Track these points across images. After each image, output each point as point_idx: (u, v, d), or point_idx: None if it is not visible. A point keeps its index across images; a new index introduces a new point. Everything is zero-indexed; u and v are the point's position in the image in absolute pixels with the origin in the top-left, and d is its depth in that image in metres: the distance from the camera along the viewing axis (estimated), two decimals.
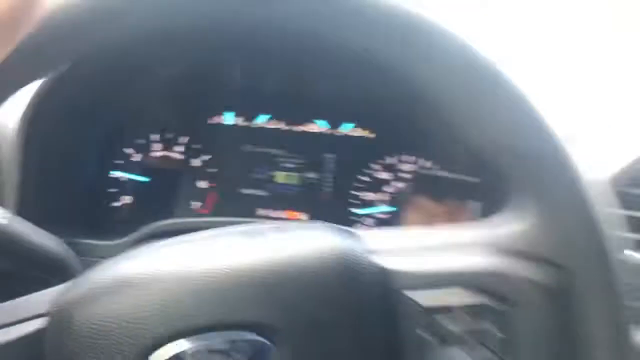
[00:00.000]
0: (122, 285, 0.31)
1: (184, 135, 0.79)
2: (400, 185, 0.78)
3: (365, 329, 0.32)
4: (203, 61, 0.73)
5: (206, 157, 0.79)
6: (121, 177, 0.80)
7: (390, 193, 0.78)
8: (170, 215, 0.77)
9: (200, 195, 0.79)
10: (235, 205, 0.79)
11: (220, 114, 0.80)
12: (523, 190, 0.34)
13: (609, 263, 0.33)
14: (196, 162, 0.79)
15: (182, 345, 0.30)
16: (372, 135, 0.78)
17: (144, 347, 0.30)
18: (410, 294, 0.33)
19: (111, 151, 0.79)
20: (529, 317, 0.34)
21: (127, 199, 0.80)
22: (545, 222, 0.33)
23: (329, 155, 0.79)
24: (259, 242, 0.33)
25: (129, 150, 0.80)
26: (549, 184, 0.33)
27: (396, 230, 0.40)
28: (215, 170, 0.79)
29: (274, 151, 0.80)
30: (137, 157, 0.80)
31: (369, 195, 0.78)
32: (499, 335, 0.33)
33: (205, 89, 0.78)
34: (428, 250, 0.34)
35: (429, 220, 0.69)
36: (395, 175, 0.78)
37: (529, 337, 0.33)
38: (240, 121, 0.80)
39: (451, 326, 0.33)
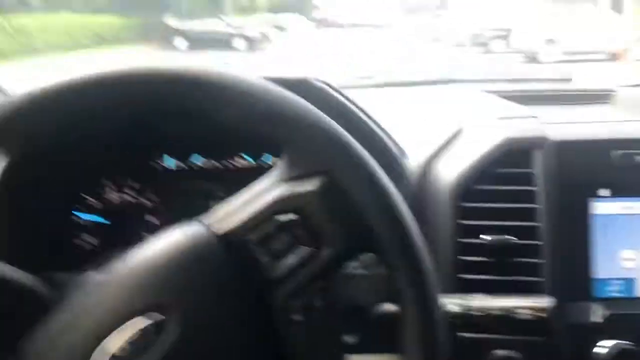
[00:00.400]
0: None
1: (132, 179, 0.90)
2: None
3: (228, 288, 0.48)
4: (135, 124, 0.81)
5: (153, 197, 0.90)
6: (82, 219, 0.90)
7: None
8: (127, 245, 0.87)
9: (153, 230, 0.85)
10: None
11: (159, 157, 0.90)
12: (291, 141, 0.50)
13: (361, 161, 0.50)
14: (146, 202, 0.90)
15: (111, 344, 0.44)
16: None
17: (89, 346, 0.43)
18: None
19: (72, 197, 0.89)
20: (317, 221, 0.50)
21: (89, 238, 0.90)
22: (307, 150, 0.50)
23: None
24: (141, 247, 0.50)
25: (88, 195, 0.90)
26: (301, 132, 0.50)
27: (225, 203, 0.53)
28: (158, 207, 0.90)
29: (209, 186, 0.90)
30: (93, 202, 0.90)
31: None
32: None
33: (144, 137, 0.86)
34: (248, 204, 0.51)
35: None
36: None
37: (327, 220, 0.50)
38: (176, 162, 0.90)
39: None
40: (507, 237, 0.75)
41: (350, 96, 0.90)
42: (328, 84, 0.85)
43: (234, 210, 0.51)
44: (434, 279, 0.49)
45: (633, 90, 1.13)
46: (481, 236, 0.75)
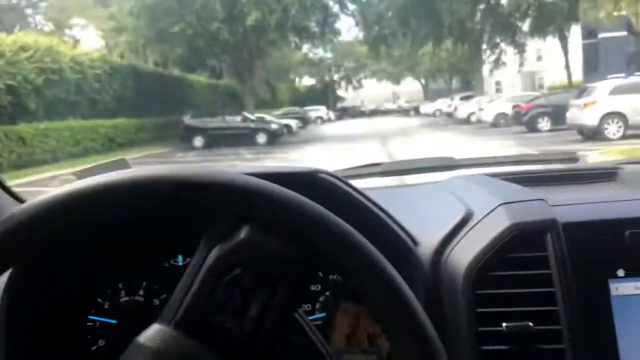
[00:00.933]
0: None
1: (143, 280, 0.91)
2: (327, 294, 0.90)
3: None
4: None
5: (164, 296, 0.90)
6: (96, 323, 0.91)
7: (321, 302, 0.90)
8: None
9: None
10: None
11: (174, 257, 0.92)
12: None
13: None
14: (156, 302, 0.91)
15: None
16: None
17: None
18: None
19: (86, 302, 0.90)
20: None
21: (101, 341, 0.91)
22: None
23: None
24: None
25: (100, 299, 0.91)
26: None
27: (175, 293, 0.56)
28: None
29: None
30: (106, 304, 0.91)
31: (305, 306, 0.89)
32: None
33: (157, 239, 0.85)
34: (189, 287, 0.55)
35: (355, 321, 0.82)
36: (323, 286, 0.90)
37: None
38: (190, 260, 0.93)
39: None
40: (527, 323, 0.73)
41: (358, 185, 0.91)
42: (335, 176, 0.86)
43: (180, 297, 0.54)
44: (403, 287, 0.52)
45: (636, 167, 1.18)
46: (503, 324, 0.74)
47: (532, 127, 17.46)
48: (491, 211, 0.84)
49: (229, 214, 0.52)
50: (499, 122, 21.74)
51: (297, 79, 62.60)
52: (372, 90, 64.94)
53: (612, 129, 13.17)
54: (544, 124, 17.41)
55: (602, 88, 13.56)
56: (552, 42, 38.06)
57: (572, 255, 0.75)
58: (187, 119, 21.34)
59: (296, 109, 36.72)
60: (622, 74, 15.15)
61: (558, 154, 1.49)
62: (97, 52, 21.10)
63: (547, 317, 0.74)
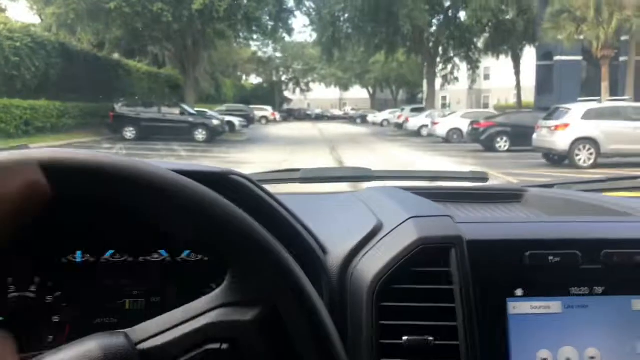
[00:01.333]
0: None
1: (37, 275, 0.86)
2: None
3: None
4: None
5: (58, 294, 0.86)
6: None
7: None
8: (28, 349, 0.80)
9: (56, 329, 0.84)
10: (88, 335, 0.84)
11: (72, 252, 0.87)
12: (236, 263, 0.52)
13: (303, 295, 0.52)
14: (49, 299, 0.86)
15: None
16: (206, 259, 0.88)
17: None
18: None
19: None
20: (250, 352, 0.51)
21: None
22: (251, 276, 0.52)
23: (171, 280, 0.89)
24: None
25: None
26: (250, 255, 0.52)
27: (160, 317, 0.53)
28: (66, 304, 0.85)
29: (121, 281, 0.87)
30: None
31: None
32: None
33: (56, 232, 0.82)
34: (180, 323, 0.52)
35: None
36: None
37: None
38: (88, 258, 0.88)
39: None
40: (426, 337, 0.75)
41: (275, 191, 0.93)
42: (248, 178, 0.85)
43: (164, 328, 0.51)
44: None
45: (541, 191, 1.26)
46: (403, 337, 0.75)
47: (489, 146, 16.60)
48: (400, 224, 0.85)
49: (251, 286, 0.51)
50: (452, 138, 20.95)
51: (244, 77, 60.63)
52: (320, 95, 63.76)
53: (584, 156, 12.30)
54: (502, 144, 16.56)
55: (575, 110, 12.67)
56: (500, 63, 38.04)
57: (474, 273, 0.77)
58: (119, 107, 19.32)
59: (241, 106, 34.94)
60: (597, 97, 14.42)
61: (470, 173, 1.54)
62: (21, 23, 18.75)
63: (447, 332, 0.75)
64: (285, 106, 59.92)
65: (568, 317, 0.77)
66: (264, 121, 38.94)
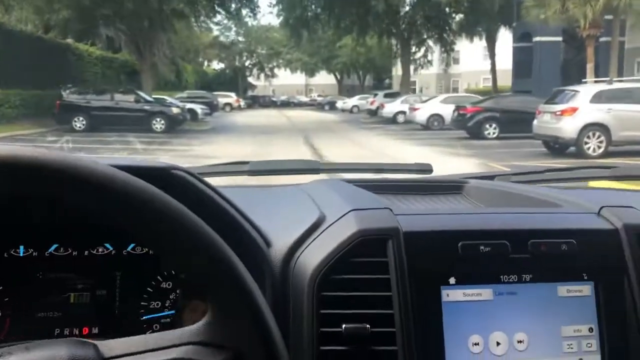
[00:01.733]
0: None
1: None
2: (177, 292, 0.90)
3: None
4: None
5: (3, 289, 0.86)
6: None
7: (171, 299, 0.90)
8: None
9: None
10: (31, 328, 0.85)
11: (14, 247, 0.87)
12: (212, 301, 0.54)
13: (273, 346, 0.54)
14: None
15: None
16: (152, 252, 0.89)
17: None
18: None
19: None
20: None
21: None
22: (222, 321, 0.54)
23: (116, 273, 0.89)
24: None
25: None
26: (224, 297, 0.54)
27: (132, 339, 0.54)
28: (7, 299, 0.85)
29: (65, 275, 0.87)
30: None
31: (155, 304, 0.89)
32: None
33: None
34: (145, 353, 0.52)
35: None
36: (174, 284, 0.90)
37: None
38: (31, 252, 0.88)
39: None
40: (364, 325, 0.77)
41: (223, 183, 0.96)
42: (189, 172, 0.85)
43: (134, 350, 0.52)
44: None
45: (480, 182, 1.28)
46: (342, 325, 0.77)
47: (476, 134, 15.29)
48: (342, 216, 0.88)
49: (225, 331, 0.53)
50: (432, 125, 19.63)
51: (205, 62, 58.25)
52: (285, 81, 62.00)
53: (593, 144, 11.01)
54: (491, 130, 15.27)
55: (584, 93, 11.32)
56: (470, 46, 36.93)
57: (410, 262, 0.80)
58: (67, 95, 17.38)
59: (203, 92, 33.05)
60: (607, 78, 13.13)
61: (414, 165, 1.56)
62: None
63: (384, 320, 0.78)
64: (250, 92, 57.73)
65: (498, 304, 0.81)
66: (227, 108, 36.96)
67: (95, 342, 0.52)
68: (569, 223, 0.87)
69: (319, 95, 56.06)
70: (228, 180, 1.46)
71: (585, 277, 0.83)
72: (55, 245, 0.87)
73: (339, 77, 56.56)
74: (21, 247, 0.86)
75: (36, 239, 0.86)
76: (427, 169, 1.51)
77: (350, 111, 35.76)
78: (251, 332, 0.53)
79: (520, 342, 0.80)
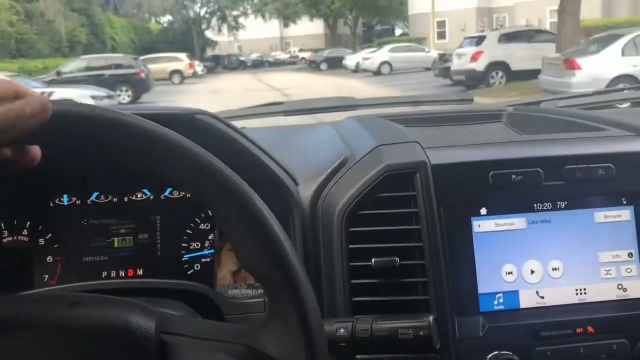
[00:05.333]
0: None
1: (27, 219, 0.89)
2: (215, 232, 0.92)
3: None
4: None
5: (49, 236, 0.89)
6: None
7: (210, 239, 0.92)
8: (28, 288, 0.87)
9: (49, 268, 0.89)
10: (79, 272, 0.88)
11: (59, 196, 0.90)
12: (272, 308, 0.52)
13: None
14: (41, 241, 0.89)
15: None
16: (189, 195, 0.88)
17: None
18: None
19: None
20: None
21: None
22: (274, 332, 0.52)
23: (156, 217, 0.91)
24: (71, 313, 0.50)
25: None
26: (281, 309, 0.51)
27: (190, 318, 0.56)
28: (57, 245, 0.89)
29: (108, 221, 0.90)
30: None
31: (195, 244, 0.91)
32: None
33: (43, 177, 0.86)
34: (201, 340, 0.52)
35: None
36: (212, 225, 0.92)
37: None
38: (75, 200, 0.91)
39: None
40: (392, 258, 0.78)
41: (258, 125, 0.99)
42: (215, 116, 0.84)
43: (193, 334, 0.52)
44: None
45: (521, 108, 1.24)
46: (372, 259, 0.79)
47: None
48: (369, 152, 0.88)
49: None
50: None
51: (152, 19, 43.74)
52: (254, 34, 47.21)
53: None
54: None
55: None
56: None
57: (439, 195, 0.79)
58: None
59: (118, 57, 18.21)
60: None
61: (455, 94, 1.58)
62: None
63: (413, 253, 0.79)
64: (210, 52, 43.48)
65: (532, 232, 0.80)
66: (176, 79, 23.41)
67: (161, 310, 0.53)
68: (607, 146, 0.85)
69: (299, 50, 42.30)
70: (263, 121, 1.46)
71: (625, 202, 0.81)
72: (96, 194, 0.90)
73: (331, 23, 41.89)
74: (65, 196, 0.90)
75: (78, 188, 0.89)
76: (468, 98, 1.47)
77: (378, 71, 22.69)
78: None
79: (555, 269, 0.80)
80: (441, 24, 32.26)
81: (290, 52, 43.89)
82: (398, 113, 1.24)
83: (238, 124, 0.95)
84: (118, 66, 16.16)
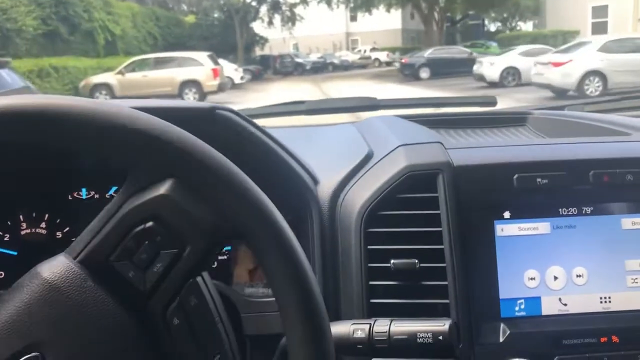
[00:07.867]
0: None
1: (46, 212, 0.90)
2: None
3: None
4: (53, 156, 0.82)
5: (67, 229, 0.90)
6: None
7: None
8: None
9: None
10: None
11: (78, 190, 0.91)
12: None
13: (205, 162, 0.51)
14: (59, 234, 0.91)
15: None
16: None
17: None
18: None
19: None
20: (175, 221, 0.52)
21: (0, 273, 0.91)
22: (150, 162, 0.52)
23: None
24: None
25: (0, 231, 0.91)
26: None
27: (85, 230, 0.55)
28: (74, 239, 0.89)
29: None
30: (6, 236, 0.91)
31: None
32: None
33: (62, 171, 0.87)
34: (102, 226, 0.54)
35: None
36: None
37: None
38: (94, 194, 0.91)
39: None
40: (412, 260, 0.77)
41: (280, 123, 0.96)
42: (235, 112, 0.83)
43: (90, 236, 0.54)
44: (306, 267, 0.51)
45: (546, 113, 1.23)
46: (391, 261, 0.77)
47: None
48: (390, 152, 0.86)
49: (152, 168, 0.52)
50: None
51: (185, 7, 34.66)
52: (313, 30, 37.79)
53: None
54: None
55: None
56: None
57: (461, 197, 0.78)
58: None
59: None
60: None
61: (478, 98, 1.48)
62: None
63: (433, 256, 0.77)
64: (259, 52, 33.76)
65: (556, 238, 0.78)
66: (190, 95, 13.86)
67: (62, 253, 0.55)
68: (635, 152, 0.83)
69: (372, 49, 32.49)
70: (285, 120, 1.45)
71: None
72: (114, 188, 0.89)
73: (426, 12, 30.41)
74: (83, 190, 0.90)
75: (97, 182, 0.89)
76: (491, 101, 1.45)
77: (496, 83, 12.81)
78: (184, 157, 0.51)
79: (579, 276, 0.78)
80: (600, 11, 21.64)
81: (360, 51, 33.90)
82: (420, 114, 1.25)
83: (259, 122, 0.92)
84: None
